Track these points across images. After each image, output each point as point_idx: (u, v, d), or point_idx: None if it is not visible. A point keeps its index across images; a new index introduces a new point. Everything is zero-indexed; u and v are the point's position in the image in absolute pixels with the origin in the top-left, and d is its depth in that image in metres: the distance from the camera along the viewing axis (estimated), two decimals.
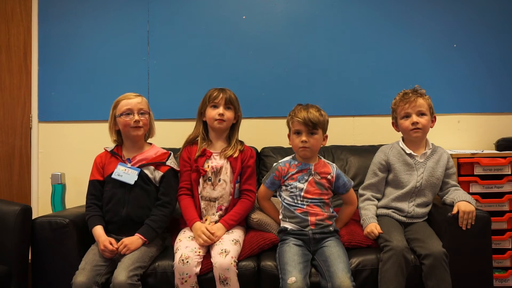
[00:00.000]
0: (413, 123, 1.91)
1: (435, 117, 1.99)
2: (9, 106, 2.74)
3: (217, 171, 1.91)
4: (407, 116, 1.93)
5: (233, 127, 2.00)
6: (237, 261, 1.70)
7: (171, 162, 1.94)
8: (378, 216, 1.92)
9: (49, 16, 2.70)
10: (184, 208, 1.88)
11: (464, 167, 2.22)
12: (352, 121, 2.61)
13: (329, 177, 1.85)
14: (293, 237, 1.77)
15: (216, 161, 1.93)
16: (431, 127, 1.98)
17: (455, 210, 1.75)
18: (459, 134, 2.62)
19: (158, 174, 1.90)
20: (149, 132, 2.00)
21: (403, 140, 2.01)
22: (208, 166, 1.91)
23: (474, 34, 2.63)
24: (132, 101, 1.90)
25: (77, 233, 1.82)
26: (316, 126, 1.80)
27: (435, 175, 1.93)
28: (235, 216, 1.86)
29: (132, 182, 1.84)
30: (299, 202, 1.80)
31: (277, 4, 2.67)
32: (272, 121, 2.60)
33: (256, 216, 1.94)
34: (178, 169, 1.96)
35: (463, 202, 1.78)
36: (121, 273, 1.62)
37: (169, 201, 1.88)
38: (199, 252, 1.71)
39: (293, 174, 1.84)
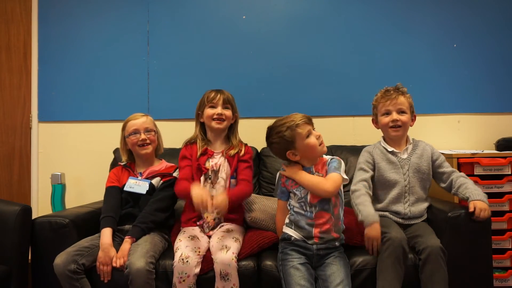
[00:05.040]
0: (393, 121, 1.93)
1: (415, 116, 2.01)
2: (9, 106, 2.74)
3: (217, 170, 1.93)
4: (387, 113, 1.95)
5: (231, 128, 2.03)
6: (237, 257, 1.70)
7: (177, 174, 1.99)
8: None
9: (49, 16, 2.70)
10: (180, 189, 1.87)
11: (464, 167, 2.22)
12: (352, 121, 2.61)
13: (326, 168, 1.79)
14: (296, 252, 1.70)
15: (216, 159, 1.94)
16: (411, 126, 1.99)
17: (471, 208, 1.73)
18: (459, 134, 2.62)
19: (159, 184, 1.98)
20: (158, 149, 2.09)
21: (384, 140, 2.03)
22: (209, 164, 1.93)
23: (474, 34, 2.64)
24: (137, 121, 2.01)
25: (77, 233, 1.83)
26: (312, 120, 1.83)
27: (421, 170, 1.93)
28: (237, 194, 1.84)
29: (144, 192, 1.94)
30: (308, 209, 1.72)
31: (277, 4, 2.67)
32: (272, 121, 2.61)
33: (250, 214, 1.95)
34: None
35: (479, 202, 1.75)
36: (139, 260, 1.64)
37: (160, 207, 1.90)
38: (199, 252, 1.71)
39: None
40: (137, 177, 1.99)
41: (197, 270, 1.66)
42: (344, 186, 1.81)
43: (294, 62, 2.64)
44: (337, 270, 1.65)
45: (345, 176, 1.76)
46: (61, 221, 1.81)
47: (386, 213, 1.93)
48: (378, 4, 2.64)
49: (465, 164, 2.22)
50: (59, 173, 2.48)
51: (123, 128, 2.03)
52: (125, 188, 1.96)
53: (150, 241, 1.78)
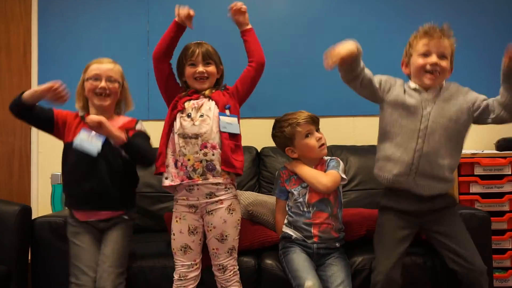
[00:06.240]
0: (432, 64, 1.58)
1: (452, 68, 1.67)
2: None
3: (198, 107, 1.71)
4: (426, 54, 1.60)
5: (217, 84, 1.84)
6: (238, 271, 1.70)
7: (140, 127, 1.80)
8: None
9: (49, 16, 2.70)
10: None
11: (464, 167, 2.22)
12: (352, 121, 2.61)
13: (325, 168, 1.78)
14: (297, 246, 1.72)
15: (197, 100, 1.74)
16: (447, 78, 1.66)
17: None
18: None
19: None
20: (125, 105, 1.84)
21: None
22: (188, 104, 1.73)
23: (474, 34, 2.63)
24: (102, 66, 1.73)
25: None
26: (319, 121, 1.80)
27: (446, 115, 1.58)
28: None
29: (94, 153, 1.63)
30: (305, 209, 1.73)
31: (277, 4, 2.67)
32: (272, 121, 2.60)
33: (252, 208, 1.94)
34: (149, 135, 1.80)
35: None
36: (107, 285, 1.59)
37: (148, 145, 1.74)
38: (196, 264, 1.69)
39: (295, 179, 1.78)
40: (90, 131, 1.64)
41: (196, 283, 1.68)
42: (344, 186, 1.80)
43: (294, 62, 2.63)
44: (337, 270, 1.65)
45: (343, 176, 1.76)
46: (61, 221, 1.81)
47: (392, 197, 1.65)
48: (378, 4, 2.64)
49: (465, 164, 2.22)
50: (59, 173, 2.46)
51: (85, 70, 1.75)
52: (74, 144, 1.63)
53: (118, 249, 1.67)
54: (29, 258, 1.86)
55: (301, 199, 1.74)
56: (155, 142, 1.92)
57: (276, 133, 1.82)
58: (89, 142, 1.64)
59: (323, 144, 1.77)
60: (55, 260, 1.78)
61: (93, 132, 1.64)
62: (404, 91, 1.66)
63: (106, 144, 1.66)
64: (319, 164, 1.80)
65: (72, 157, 1.69)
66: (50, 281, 1.79)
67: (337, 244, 1.73)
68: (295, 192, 1.76)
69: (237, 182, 1.81)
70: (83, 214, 1.71)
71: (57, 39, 2.69)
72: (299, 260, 1.66)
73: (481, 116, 1.63)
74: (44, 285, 1.82)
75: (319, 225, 1.71)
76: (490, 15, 2.63)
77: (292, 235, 1.74)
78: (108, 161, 1.68)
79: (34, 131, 2.70)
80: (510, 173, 2.21)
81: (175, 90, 1.79)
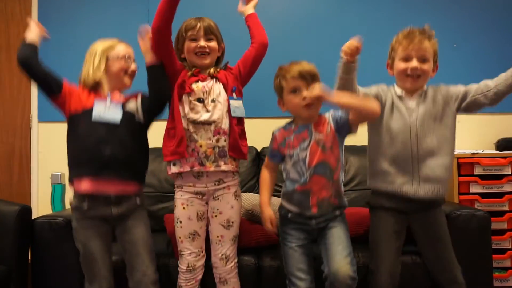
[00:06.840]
0: (412, 69, 1.62)
1: (437, 66, 1.70)
2: (9, 106, 2.74)
3: (209, 91, 1.66)
4: (407, 58, 1.64)
5: (218, 63, 1.77)
6: (237, 263, 1.69)
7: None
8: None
9: (49, 16, 2.70)
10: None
11: (464, 167, 2.22)
12: None
13: (328, 130, 1.62)
14: (295, 231, 1.60)
15: (206, 82, 1.68)
16: (431, 77, 1.68)
17: None
18: (459, 134, 2.58)
19: (139, 102, 1.69)
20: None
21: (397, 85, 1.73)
22: (198, 87, 1.66)
23: (474, 34, 2.63)
24: (130, 49, 1.75)
25: None
26: (315, 77, 1.62)
27: (432, 116, 1.63)
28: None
29: (118, 120, 1.60)
30: (304, 171, 1.57)
31: (277, 4, 2.67)
32: (272, 121, 2.56)
33: (251, 208, 1.95)
34: None
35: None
36: (152, 275, 1.58)
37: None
38: (202, 252, 1.66)
39: (292, 141, 1.62)
40: (106, 101, 1.63)
41: (202, 274, 1.66)
42: (344, 185, 1.79)
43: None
44: (336, 232, 1.57)
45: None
46: (61, 221, 1.81)
47: (383, 191, 1.66)
48: (377, 4, 2.64)
49: (465, 164, 2.22)
50: (59, 173, 2.48)
51: (109, 48, 1.73)
52: (94, 117, 1.58)
53: (149, 248, 1.62)
54: (29, 258, 1.86)
55: (301, 163, 1.59)
56: (155, 142, 1.93)
57: (273, 81, 1.72)
58: (108, 111, 1.61)
59: (308, 103, 1.57)
60: (55, 260, 1.78)
61: (108, 102, 1.63)
62: (392, 102, 1.68)
63: (122, 110, 1.65)
64: (320, 123, 1.63)
65: (85, 124, 1.61)
66: (50, 281, 1.79)
67: (337, 212, 1.62)
68: (295, 154, 1.61)
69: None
70: (98, 183, 1.56)
71: (57, 39, 2.69)
72: (294, 259, 1.58)
73: (472, 104, 1.65)
74: (44, 285, 1.81)
75: (318, 193, 1.57)
76: (488, 14, 2.63)
77: (288, 212, 1.62)
78: (127, 124, 1.63)
79: (34, 131, 2.70)
80: (510, 173, 2.21)
81: (173, 66, 1.70)
